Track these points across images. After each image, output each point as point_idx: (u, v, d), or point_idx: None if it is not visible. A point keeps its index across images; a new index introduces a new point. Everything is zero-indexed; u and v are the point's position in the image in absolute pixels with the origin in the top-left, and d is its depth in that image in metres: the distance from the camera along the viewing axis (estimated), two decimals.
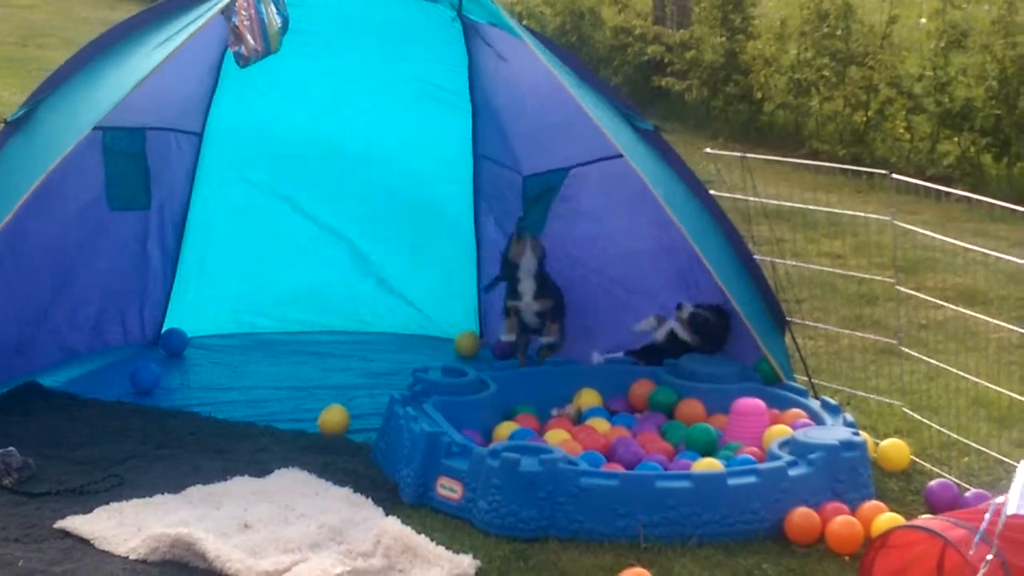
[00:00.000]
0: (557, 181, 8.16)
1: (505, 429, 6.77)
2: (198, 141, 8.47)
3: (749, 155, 7.63)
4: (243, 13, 6.63)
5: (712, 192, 7.59)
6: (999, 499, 5.19)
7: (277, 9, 6.72)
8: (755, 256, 7.52)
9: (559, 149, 8.06)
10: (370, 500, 6.23)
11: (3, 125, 7.20)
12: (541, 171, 8.23)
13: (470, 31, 8.20)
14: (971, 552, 4.93)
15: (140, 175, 8.14)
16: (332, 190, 8.72)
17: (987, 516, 5.06)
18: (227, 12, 6.65)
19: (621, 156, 7.06)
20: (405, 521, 5.91)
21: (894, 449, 6.85)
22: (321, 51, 8.18)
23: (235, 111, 8.42)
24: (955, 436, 7.00)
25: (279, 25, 6.73)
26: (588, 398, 7.26)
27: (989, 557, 4.89)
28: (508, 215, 8.36)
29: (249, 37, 6.65)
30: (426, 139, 8.63)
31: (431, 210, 8.77)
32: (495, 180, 8.57)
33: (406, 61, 8.37)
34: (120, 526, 5.86)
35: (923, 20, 15.19)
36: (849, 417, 6.76)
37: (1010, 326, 7.44)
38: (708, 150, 8.28)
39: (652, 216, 7.41)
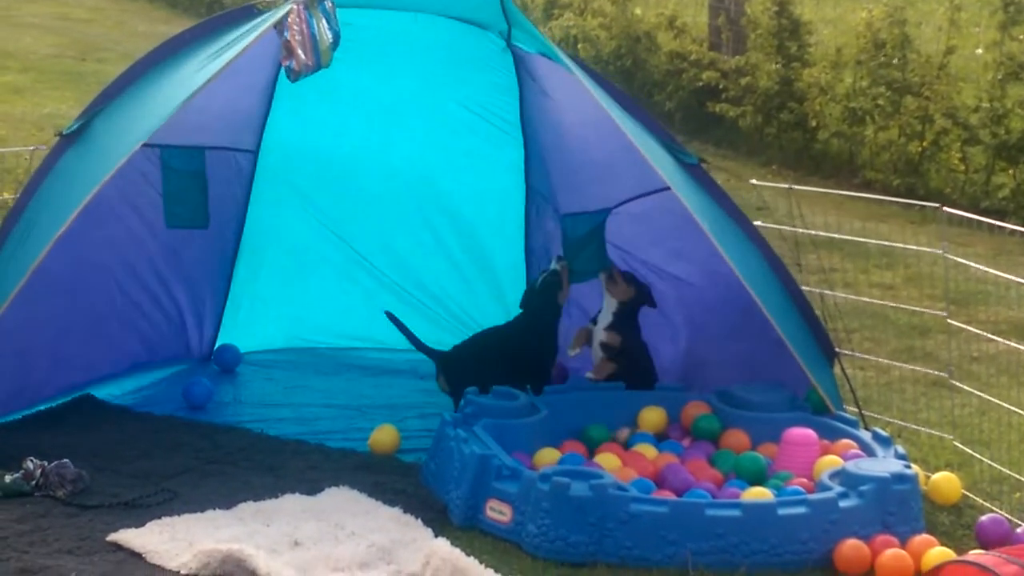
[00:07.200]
0: (600, 221, 8.08)
1: (547, 456, 6.66)
2: (253, 159, 8.53)
3: (797, 187, 7.62)
4: (295, 28, 6.72)
5: (759, 223, 7.56)
6: None
7: (328, 24, 6.81)
8: (804, 287, 7.50)
9: (601, 188, 7.98)
10: (419, 521, 6.26)
11: (59, 138, 7.28)
12: (580, 211, 8.16)
13: (519, 62, 8.21)
14: None
15: (199, 194, 8.18)
16: (384, 208, 8.73)
17: None
18: (279, 27, 6.74)
19: (661, 191, 7.08)
20: (454, 543, 5.93)
21: (945, 483, 6.82)
22: (375, 71, 8.21)
23: (289, 129, 8.46)
24: (1007, 471, 6.96)
25: (330, 40, 6.83)
26: (652, 416, 7.23)
27: None
28: (556, 245, 8.36)
29: (300, 52, 6.73)
30: (478, 162, 8.63)
31: (483, 229, 8.79)
32: (541, 210, 8.57)
33: (459, 84, 8.39)
34: (171, 540, 5.91)
35: (980, 51, 15.09)
36: (901, 449, 6.73)
37: None
38: (754, 181, 8.28)
39: (692, 251, 7.43)
